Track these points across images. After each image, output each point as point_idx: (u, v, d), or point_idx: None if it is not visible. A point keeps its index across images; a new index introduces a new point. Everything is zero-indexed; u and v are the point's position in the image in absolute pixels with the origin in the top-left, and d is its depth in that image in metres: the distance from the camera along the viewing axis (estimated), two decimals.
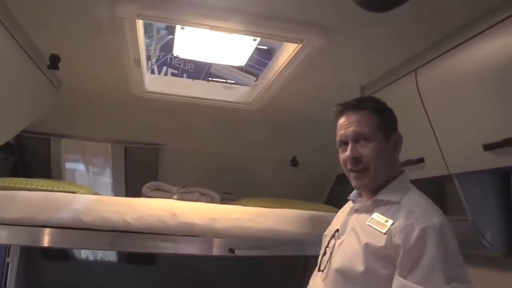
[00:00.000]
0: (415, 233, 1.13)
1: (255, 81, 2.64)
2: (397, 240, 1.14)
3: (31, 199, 1.92)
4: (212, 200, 2.28)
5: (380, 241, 1.17)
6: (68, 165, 3.34)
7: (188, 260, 2.99)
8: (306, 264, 3.15)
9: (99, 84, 2.45)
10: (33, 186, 2.04)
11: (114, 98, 2.59)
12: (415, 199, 1.24)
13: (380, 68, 2.07)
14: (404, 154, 1.96)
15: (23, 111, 2.36)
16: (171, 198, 2.21)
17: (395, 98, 2.01)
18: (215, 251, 1.96)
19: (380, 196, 1.27)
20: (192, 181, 2.57)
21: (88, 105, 2.71)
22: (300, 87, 2.33)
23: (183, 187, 2.34)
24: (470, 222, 1.77)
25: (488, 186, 1.78)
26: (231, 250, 1.95)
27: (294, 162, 3.14)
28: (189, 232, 1.93)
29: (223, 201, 2.37)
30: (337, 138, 1.33)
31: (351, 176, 1.31)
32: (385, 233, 1.17)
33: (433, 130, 1.82)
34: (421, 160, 1.90)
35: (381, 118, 1.29)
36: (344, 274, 1.22)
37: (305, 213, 2.07)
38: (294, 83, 2.26)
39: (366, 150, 1.26)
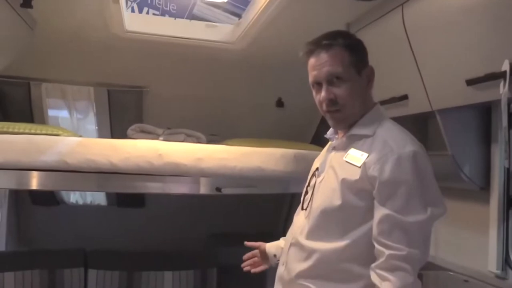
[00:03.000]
0: (389, 164, 1.15)
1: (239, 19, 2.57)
2: (371, 172, 1.17)
3: (14, 142, 1.90)
4: (198, 141, 2.29)
5: (356, 175, 1.20)
6: (51, 111, 3.28)
7: (177, 202, 3.06)
8: (292, 201, 3.25)
9: (77, 24, 2.35)
10: (16, 130, 2.01)
11: (93, 38, 2.50)
12: (389, 130, 1.25)
13: (366, 3, 2.02)
14: (388, 91, 1.99)
15: None
16: (157, 140, 2.20)
17: (381, 35, 1.99)
18: (202, 190, 1.99)
19: (354, 131, 1.29)
20: (177, 124, 2.56)
21: (67, 46, 2.62)
22: (285, 25, 2.27)
23: (169, 128, 2.33)
24: (450, 157, 1.81)
25: (469, 121, 1.81)
26: (218, 189, 1.99)
27: (279, 103, 3.13)
28: (176, 172, 1.94)
29: (209, 142, 2.38)
30: (310, 79, 1.31)
31: (327, 116, 1.32)
32: (359, 167, 1.20)
33: (417, 66, 1.81)
34: (405, 97, 1.91)
35: (353, 54, 1.27)
36: (324, 211, 1.25)
37: (290, 151, 2.09)
38: (278, 20, 2.20)
39: (340, 90, 1.26)
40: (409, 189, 1.14)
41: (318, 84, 1.29)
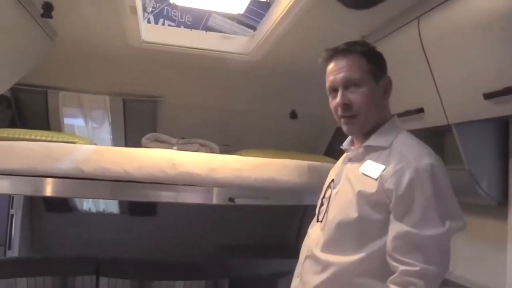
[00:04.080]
0: (406, 177, 1.14)
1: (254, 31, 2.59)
2: (388, 185, 1.16)
3: (31, 149, 1.92)
4: (211, 151, 2.30)
5: (372, 188, 1.19)
6: (67, 119, 3.33)
7: (189, 211, 3.07)
8: (305, 213, 3.23)
9: (95, 34, 2.39)
10: (33, 137, 2.04)
11: (111, 48, 2.54)
12: (406, 142, 1.24)
13: (382, 16, 2.02)
14: (404, 104, 1.97)
15: (17, 61, 2.32)
16: (171, 149, 2.21)
17: (397, 48, 1.99)
18: (215, 200, 1.99)
19: (370, 142, 1.28)
20: (191, 134, 2.58)
21: (85, 56, 2.66)
22: (299, 37, 2.28)
23: (183, 138, 2.35)
24: (466, 171, 1.79)
25: (486, 135, 1.79)
26: (231, 199, 1.98)
27: (293, 115, 3.14)
28: (189, 182, 1.95)
29: (222, 152, 2.38)
30: (327, 85, 1.32)
31: (342, 122, 1.31)
32: (376, 179, 1.18)
33: (434, 79, 1.80)
34: (420, 110, 1.89)
35: (371, 61, 1.28)
36: (339, 223, 1.24)
37: (304, 163, 2.08)
38: (293, 32, 2.21)
39: (356, 96, 1.26)
40: (426, 202, 1.12)
41: (334, 90, 1.30)
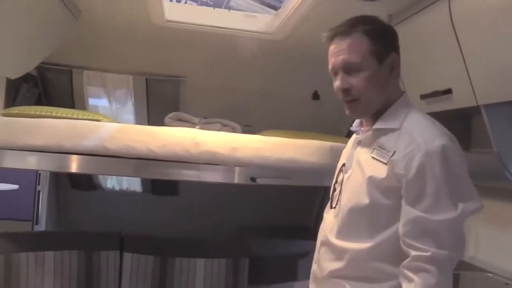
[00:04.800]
0: (416, 161, 1.10)
1: (278, 9, 2.54)
2: (398, 170, 1.13)
3: (57, 126, 1.96)
4: (233, 131, 2.30)
5: (383, 173, 1.16)
6: (91, 100, 3.38)
7: (210, 191, 3.09)
8: (325, 195, 3.22)
9: (118, 13, 2.40)
10: (58, 114, 2.07)
11: (134, 27, 2.55)
12: (416, 122, 1.19)
13: None
14: (431, 85, 1.92)
15: (43, 40, 2.35)
16: (193, 128, 2.22)
17: (425, 27, 1.93)
18: (237, 179, 2.00)
19: (379, 125, 1.23)
20: (213, 114, 2.58)
21: (108, 35, 2.68)
22: (324, 16, 2.23)
23: (205, 118, 2.35)
24: (495, 155, 1.74)
25: None
26: (253, 179, 1.99)
27: (315, 96, 3.10)
28: (211, 161, 1.95)
29: (243, 133, 2.38)
30: (329, 67, 1.27)
31: (345, 106, 1.27)
32: (386, 164, 1.15)
33: (463, 59, 1.74)
34: (448, 91, 1.84)
35: (374, 42, 1.20)
36: (352, 209, 1.22)
37: (326, 144, 2.06)
38: (318, 11, 2.16)
39: (357, 81, 1.20)
40: (438, 186, 1.09)
41: (335, 74, 1.25)
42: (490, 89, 1.67)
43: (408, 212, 1.11)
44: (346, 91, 1.22)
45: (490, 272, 1.89)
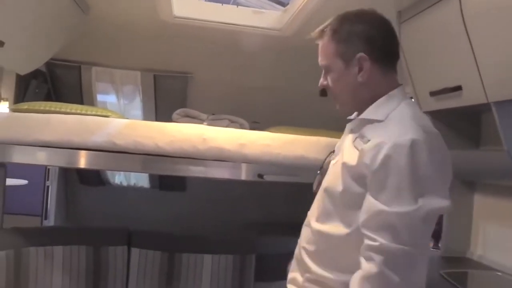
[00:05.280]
0: (382, 153, 1.09)
1: (286, 5, 2.53)
2: (366, 159, 1.12)
3: (66, 122, 1.98)
4: (241, 127, 2.30)
5: (354, 160, 1.15)
6: (100, 96, 3.40)
7: (217, 187, 3.10)
8: None
9: (127, 9, 2.40)
10: (68, 110, 2.09)
11: (142, 23, 2.55)
12: (400, 115, 1.17)
13: None
14: (441, 81, 1.91)
15: (52, 36, 2.37)
16: (201, 124, 2.22)
17: (435, 23, 1.91)
18: (244, 176, 2.00)
19: (364, 115, 1.23)
20: (220, 110, 2.58)
21: (117, 31, 2.68)
22: (333, 12, 2.19)
23: (213, 114, 2.35)
24: (505, 153, 1.72)
25: None
26: (260, 176, 1.99)
27: (323, 93, 3.08)
28: (219, 157, 1.96)
29: (251, 129, 2.38)
30: None
31: None
32: (359, 151, 1.15)
33: (474, 56, 1.72)
34: (458, 88, 1.82)
35: (338, 43, 1.22)
36: (329, 195, 1.22)
37: (334, 141, 2.03)
38: (327, 7, 2.14)
39: (329, 81, 1.25)
40: (400, 179, 1.07)
41: None
42: (500, 86, 1.65)
43: (368, 201, 1.11)
44: (323, 90, 1.29)
45: (499, 271, 1.87)
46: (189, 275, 2.36)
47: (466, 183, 2.17)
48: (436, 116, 2.07)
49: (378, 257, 1.06)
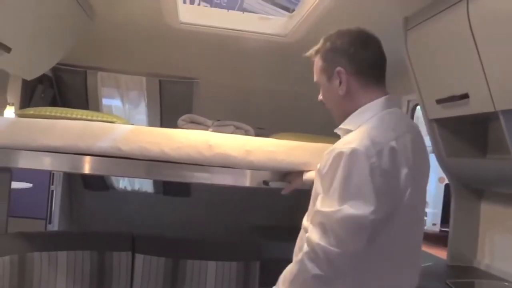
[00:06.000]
0: (329, 159, 1.18)
1: (293, 12, 2.53)
2: (321, 164, 1.24)
3: (71, 127, 1.97)
4: (246, 134, 2.29)
5: (319, 165, 1.26)
6: (105, 100, 3.41)
7: (222, 193, 3.09)
8: None
9: (134, 15, 2.41)
10: (73, 116, 2.09)
11: (148, 29, 2.55)
12: (367, 125, 1.22)
13: None
14: (447, 89, 1.90)
15: (59, 42, 2.37)
16: (207, 130, 2.22)
17: (442, 30, 1.90)
18: (249, 182, 1.99)
19: (342, 125, 1.33)
20: (226, 116, 2.57)
21: (123, 36, 2.69)
22: (339, 18, 2.20)
23: (218, 120, 2.35)
24: None
25: None
26: (265, 182, 1.97)
27: None
28: (224, 163, 1.94)
29: (256, 135, 2.37)
30: None
31: None
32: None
33: (481, 64, 1.71)
34: (465, 96, 1.81)
35: (323, 61, 1.34)
36: (312, 197, 1.30)
37: None
38: (333, 13, 2.15)
39: (322, 95, 1.39)
40: (334, 183, 1.15)
41: None
42: (508, 94, 1.64)
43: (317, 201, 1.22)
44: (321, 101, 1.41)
45: (507, 281, 1.85)
46: (193, 282, 2.36)
47: (474, 191, 2.15)
48: (443, 124, 2.06)
49: (305, 248, 1.16)
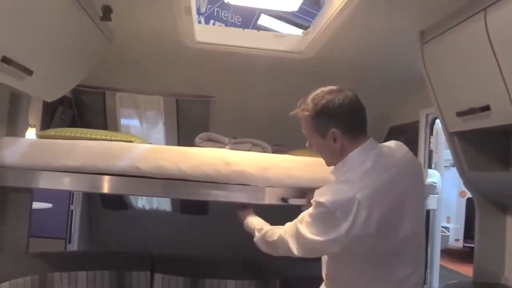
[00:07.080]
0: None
1: (306, 29, 2.54)
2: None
3: (91, 148, 2.00)
4: (264, 151, 2.28)
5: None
6: (123, 120, 3.45)
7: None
8: None
9: (151, 36, 2.46)
10: (93, 136, 2.12)
11: (165, 49, 2.60)
12: (344, 178, 1.47)
13: (442, 8, 1.92)
14: (467, 101, 1.87)
15: (78, 64, 2.42)
16: (224, 148, 2.22)
17: (460, 42, 1.88)
18: (268, 199, 1.97)
19: (331, 172, 1.59)
20: (243, 134, 2.57)
21: (140, 57, 2.74)
22: (355, 34, 2.22)
23: (235, 137, 2.35)
24: None
25: None
26: (284, 199, 1.96)
27: None
28: (242, 181, 1.94)
29: (274, 152, 2.36)
30: None
31: None
32: None
33: (502, 74, 1.68)
34: (486, 108, 1.78)
35: (315, 122, 1.50)
36: None
37: None
38: (348, 29, 2.15)
39: (311, 144, 1.60)
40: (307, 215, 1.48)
41: None
42: None
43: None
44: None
45: None
46: None
47: (498, 205, 2.09)
48: (464, 137, 2.02)
49: (282, 230, 1.63)
